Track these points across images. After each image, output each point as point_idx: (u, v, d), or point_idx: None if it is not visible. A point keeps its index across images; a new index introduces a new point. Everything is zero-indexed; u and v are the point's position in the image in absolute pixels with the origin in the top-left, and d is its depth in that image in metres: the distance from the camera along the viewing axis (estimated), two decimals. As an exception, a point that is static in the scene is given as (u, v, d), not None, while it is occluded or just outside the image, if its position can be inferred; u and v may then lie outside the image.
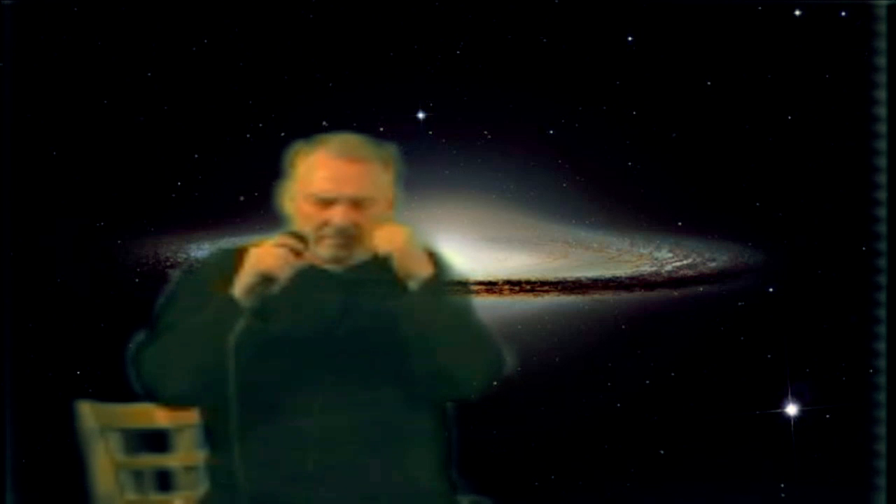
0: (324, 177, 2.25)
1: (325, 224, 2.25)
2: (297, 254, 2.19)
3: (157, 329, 2.26)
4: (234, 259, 2.26)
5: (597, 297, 4.90)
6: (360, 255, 2.33)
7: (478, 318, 2.31)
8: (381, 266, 2.30)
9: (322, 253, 2.26)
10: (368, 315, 2.26)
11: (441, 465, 2.33)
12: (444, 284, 2.27)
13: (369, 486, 2.20)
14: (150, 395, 2.28)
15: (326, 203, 2.25)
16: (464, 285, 2.40)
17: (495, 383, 2.29)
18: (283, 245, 2.19)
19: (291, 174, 2.32)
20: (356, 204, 2.25)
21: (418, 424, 2.28)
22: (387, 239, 2.23)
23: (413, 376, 2.23)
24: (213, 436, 2.32)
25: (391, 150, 2.34)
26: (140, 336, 2.29)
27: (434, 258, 2.31)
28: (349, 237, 2.26)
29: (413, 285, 2.22)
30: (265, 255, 2.18)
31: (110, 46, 4.35)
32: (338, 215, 2.24)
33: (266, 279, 2.16)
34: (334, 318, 2.25)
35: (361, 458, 2.20)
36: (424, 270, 2.23)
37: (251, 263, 2.17)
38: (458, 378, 2.23)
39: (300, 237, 2.23)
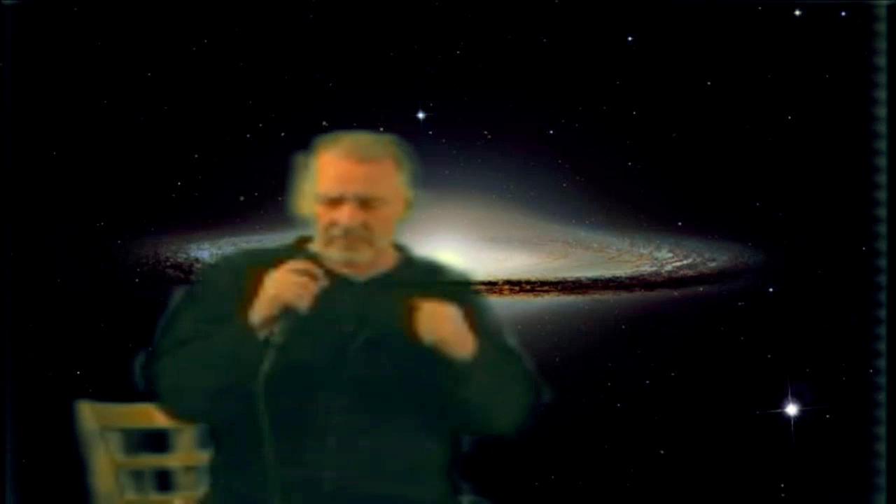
0: (330, 176, 2.21)
1: (333, 224, 2.21)
2: (315, 278, 2.14)
3: (170, 339, 2.23)
4: (246, 267, 2.22)
5: (597, 297, 4.90)
6: (379, 266, 2.30)
7: (515, 358, 2.32)
8: (399, 277, 2.30)
9: (332, 255, 2.22)
10: (385, 327, 2.21)
11: (446, 471, 2.32)
12: (486, 342, 2.22)
13: (382, 495, 2.19)
14: (165, 410, 2.28)
15: (334, 203, 2.21)
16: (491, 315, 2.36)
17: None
18: (301, 272, 2.14)
19: (306, 175, 2.28)
20: (364, 203, 2.20)
21: (432, 436, 2.27)
22: (431, 327, 2.15)
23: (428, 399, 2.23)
24: (220, 442, 2.31)
25: (404, 148, 2.31)
26: (152, 346, 2.27)
27: (472, 310, 2.25)
28: (358, 238, 2.21)
29: (457, 360, 2.17)
30: (285, 284, 2.12)
31: (110, 46, 4.35)
32: (344, 216, 2.20)
33: (287, 310, 2.12)
34: (351, 330, 2.22)
35: (376, 475, 2.18)
36: (468, 348, 2.17)
37: (270, 295, 2.12)
38: (499, 425, 2.29)
39: (315, 259, 2.19)
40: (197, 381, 2.16)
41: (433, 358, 2.16)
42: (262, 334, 2.12)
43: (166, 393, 2.21)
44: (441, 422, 2.25)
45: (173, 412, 2.28)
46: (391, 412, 2.20)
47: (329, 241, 2.22)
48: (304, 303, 2.11)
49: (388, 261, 2.33)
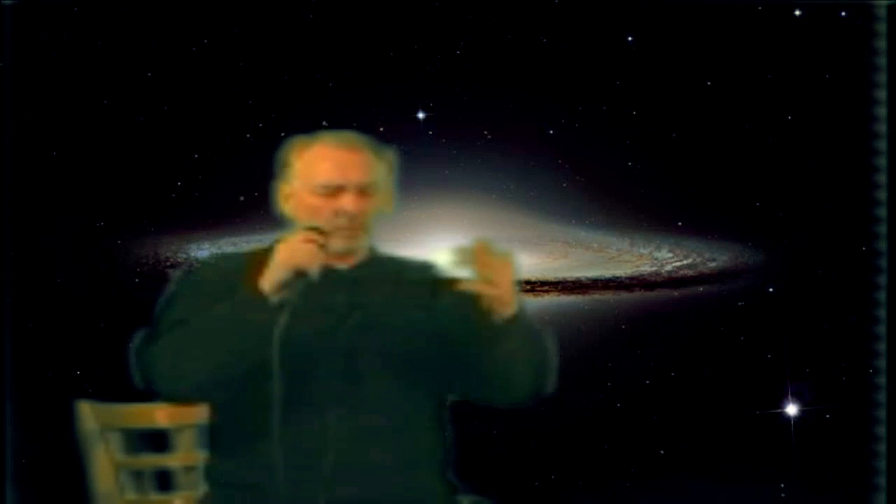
0: (329, 167, 2.28)
1: (337, 214, 2.26)
2: (322, 247, 2.20)
3: (163, 325, 2.26)
4: (240, 261, 2.28)
5: (597, 297, 4.90)
6: (358, 257, 2.36)
7: (535, 323, 2.35)
8: (384, 264, 2.36)
9: (334, 245, 2.26)
10: (376, 312, 2.27)
11: (442, 464, 2.33)
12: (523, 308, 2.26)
13: (379, 485, 2.21)
14: (158, 390, 2.27)
15: (334, 192, 2.26)
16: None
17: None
18: (310, 240, 2.19)
19: (289, 172, 2.33)
20: (362, 191, 2.27)
21: (424, 422, 2.30)
22: (491, 278, 2.16)
23: (436, 377, 2.27)
24: (219, 435, 2.32)
25: (382, 145, 2.37)
26: (143, 333, 2.29)
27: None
28: (358, 227, 2.28)
29: (498, 318, 2.20)
30: (296, 250, 2.18)
31: (110, 46, 4.35)
32: (349, 203, 2.25)
33: (298, 274, 2.18)
34: (343, 315, 2.26)
35: (373, 457, 2.21)
36: (513, 308, 2.21)
37: (283, 259, 2.18)
38: (517, 393, 2.33)
39: (321, 231, 2.23)
40: (203, 352, 2.18)
41: (423, 338, 2.24)
42: (274, 299, 2.17)
43: (167, 371, 2.21)
44: (434, 403, 2.31)
45: (174, 391, 2.27)
46: (383, 383, 2.24)
47: (332, 231, 2.27)
48: (313, 266, 2.18)
49: (364, 252, 2.39)
